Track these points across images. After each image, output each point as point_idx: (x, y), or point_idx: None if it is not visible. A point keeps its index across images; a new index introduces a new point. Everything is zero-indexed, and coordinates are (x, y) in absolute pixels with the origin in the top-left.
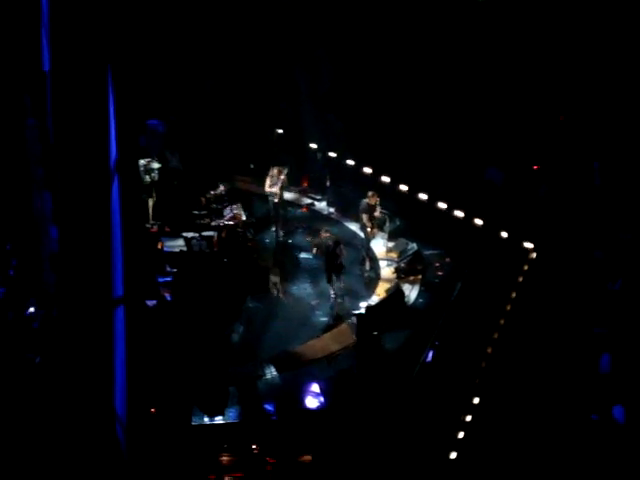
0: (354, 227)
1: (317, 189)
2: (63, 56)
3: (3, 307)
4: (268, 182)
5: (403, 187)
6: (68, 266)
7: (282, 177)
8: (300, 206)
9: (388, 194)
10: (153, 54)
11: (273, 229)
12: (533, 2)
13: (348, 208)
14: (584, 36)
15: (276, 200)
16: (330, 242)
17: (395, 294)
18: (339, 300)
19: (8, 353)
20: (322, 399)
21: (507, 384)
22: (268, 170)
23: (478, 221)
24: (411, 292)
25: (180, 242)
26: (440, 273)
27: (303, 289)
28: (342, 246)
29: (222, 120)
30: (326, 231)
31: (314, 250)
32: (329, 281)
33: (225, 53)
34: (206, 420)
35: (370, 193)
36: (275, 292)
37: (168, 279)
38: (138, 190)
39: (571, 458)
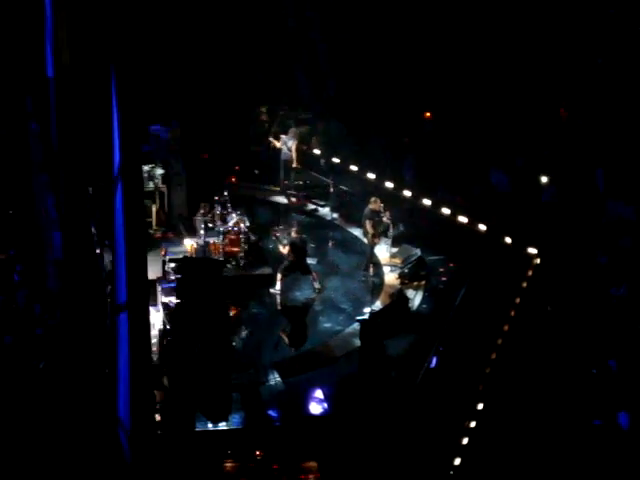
0: (357, 233)
1: (320, 195)
2: (66, 62)
3: (7, 313)
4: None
5: (406, 193)
6: (72, 272)
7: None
8: (302, 211)
9: (391, 200)
10: (157, 60)
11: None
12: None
13: (351, 214)
14: (590, 39)
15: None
16: (297, 238)
17: (399, 300)
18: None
19: (12, 359)
20: (326, 405)
21: (511, 390)
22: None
23: (482, 227)
24: (415, 298)
25: (183, 248)
26: (444, 279)
27: (307, 294)
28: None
29: (225, 126)
30: (296, 232)
31: (285, 249)
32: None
33: (228, 58)
34: (210, 426)
35: (372, 199)
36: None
37: (171, 285)
38: (141, 196)
39: (575, 464)
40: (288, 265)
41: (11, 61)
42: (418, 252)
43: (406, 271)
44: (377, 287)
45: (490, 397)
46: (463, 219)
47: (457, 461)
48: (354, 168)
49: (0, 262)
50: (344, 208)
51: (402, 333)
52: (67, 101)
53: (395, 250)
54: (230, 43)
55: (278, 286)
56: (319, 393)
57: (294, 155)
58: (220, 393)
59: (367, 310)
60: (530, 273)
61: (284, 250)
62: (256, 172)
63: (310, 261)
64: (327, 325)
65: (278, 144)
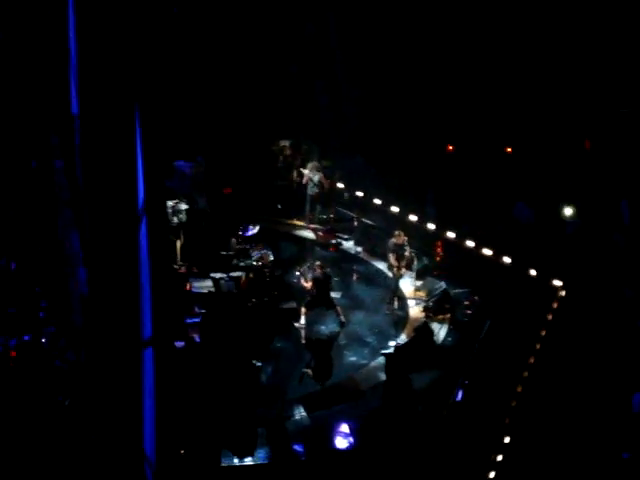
0: (382, 266)
1: (345, 229)
2: (91, 99)
3: (33, 350)
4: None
5: (431, 226)
6: (96, 308)
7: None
8: (327, 245)
9: (415, 233)
10: (181, 96)
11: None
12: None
13: (376, 247)
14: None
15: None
16: (320, 273)
17: (424, 333)
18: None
19: (38, 395)
20: (352, 439)
21: (538, 423)
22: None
23: (506, 259)
24: (440, 331)
25: (208, 283)
26: (469, 312)
27: (331, 328)
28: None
29: (249, 160)
30: (320, 266)
31: (309, 284)
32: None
33: (251, 92)
34: (235, 461)
35: (396, 232)
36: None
37: (196, 320)
38: (166, 231)
39: None
40: (312, 299)
41: (36, 98)
42: (443, 285)
43: (431, 304)
44: (402, 320)
45: (517, 430)
46: (487, 251)
47: None
48: (377, 201)
49: (26, 299)
50: (368, 242)
51: (427, 366)
52: (92, 138)
53: (419, 283)
54: (253, 77)
55: (302, 320)
56: (345, 427)
57: (323, 187)
58: (246, 428)
59: (392, 344)
60: (555, 305)
61: (307, 284)
62: (279, 207)
63: (334, 295)
64: (352, 359)
65: (305, 178)
